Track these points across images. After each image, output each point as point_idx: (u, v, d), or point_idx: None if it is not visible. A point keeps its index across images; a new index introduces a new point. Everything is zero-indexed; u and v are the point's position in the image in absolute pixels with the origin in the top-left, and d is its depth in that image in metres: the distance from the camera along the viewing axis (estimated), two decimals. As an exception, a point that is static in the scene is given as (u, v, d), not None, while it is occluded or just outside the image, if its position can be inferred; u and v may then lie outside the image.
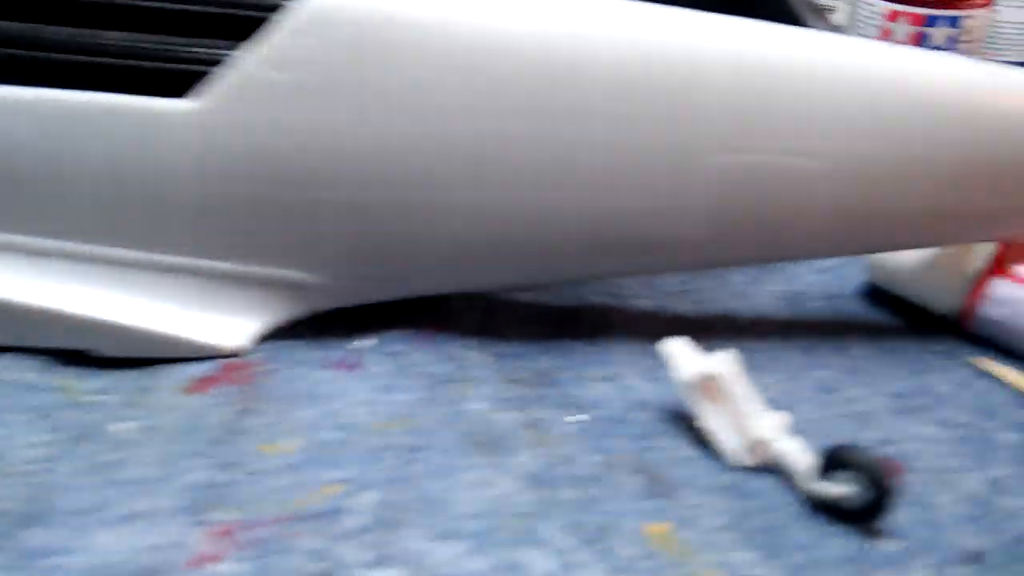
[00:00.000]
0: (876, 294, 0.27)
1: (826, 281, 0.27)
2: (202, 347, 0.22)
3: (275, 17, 0.20)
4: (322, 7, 0.20)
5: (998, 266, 0.24)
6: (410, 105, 0.20)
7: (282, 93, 0.20)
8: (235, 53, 0.20)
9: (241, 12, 0.21)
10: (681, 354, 0.21)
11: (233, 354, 0.22)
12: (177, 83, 0.21)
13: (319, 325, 0.23)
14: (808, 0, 0.31)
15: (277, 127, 0.20)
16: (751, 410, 0.20)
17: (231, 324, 0.22)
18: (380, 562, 0.17)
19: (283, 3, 0.21)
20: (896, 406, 0.22)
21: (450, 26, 0.20)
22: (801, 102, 0.21)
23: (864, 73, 0.21)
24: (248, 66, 0.20)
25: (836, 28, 0.29)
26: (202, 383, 0.21)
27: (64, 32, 0.22)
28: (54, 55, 0.21)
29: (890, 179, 0.22)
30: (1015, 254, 0.24)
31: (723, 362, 0.20)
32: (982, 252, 0.25)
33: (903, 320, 0.26)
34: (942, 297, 0.25)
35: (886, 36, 0.40)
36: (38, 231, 0.21)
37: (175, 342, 0.22)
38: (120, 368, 0.22)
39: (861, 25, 0.41)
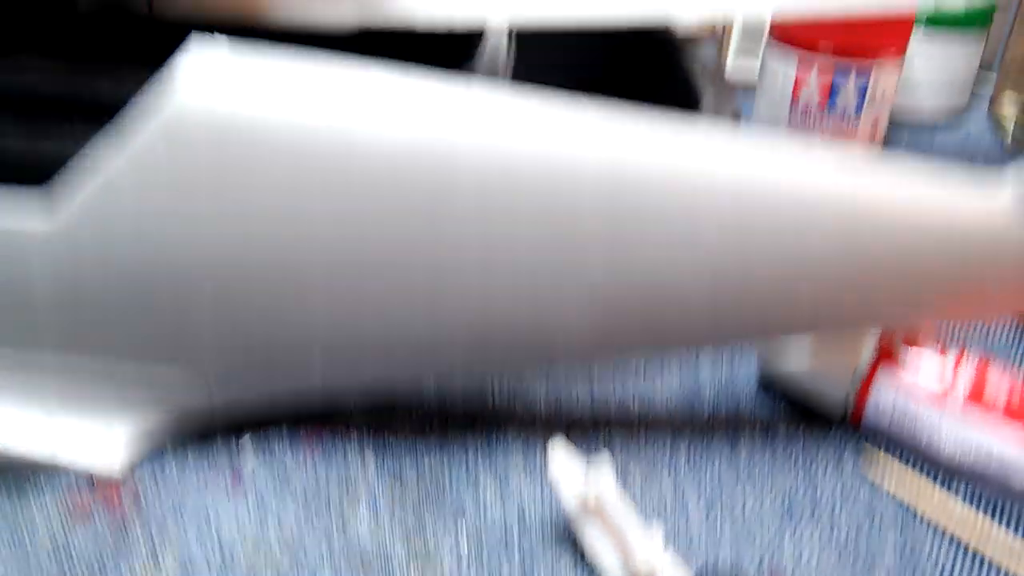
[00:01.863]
0: (770, 385, 0.27)
1: (721, 374, 0.27)
2: (75, 465, 0.21)
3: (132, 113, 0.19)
4: (176, 109, 0.19)
5: (881, 366, 0.25)
6: (276, 208, 0.20)
7: (133, 200, 0.19)
8: (93, 151, 0.20)
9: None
10: (563, 471, 0.21)
11: (107, 472, 0.22)
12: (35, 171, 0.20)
13: (203, 434, 0.23)
14: (710, 71, 0.31)
15: (133, 237, 0.20)
16: (630, 526, 0.20)
17: (105, 437, 0.22)
18: None
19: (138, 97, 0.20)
20: (782, 513, 0.23)
21: (314, 132, 0.20)
22: (674, 200, 0.21)
23: (738, 177, 0.21)
24: (99, 173, 0.19)
25: (731, 96, 0.29)
26: (72, 510, 0.21)
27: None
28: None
29: (768, 274, 0.22)
30: (900, 342, 0.25)
31: (602, 476, 0.20)
32: (866, 350, 0.25)
33: (794, 415, 0.26)
34: (832, 395, 0.25)
35: (797, 93, 0.40)
36: None
37: (46, 460, 0.21)
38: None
39: (772, 83, 0.41)
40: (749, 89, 0.48)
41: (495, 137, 0.20)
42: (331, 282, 0.20)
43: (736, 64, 0.49)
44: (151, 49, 0.33)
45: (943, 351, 0.25)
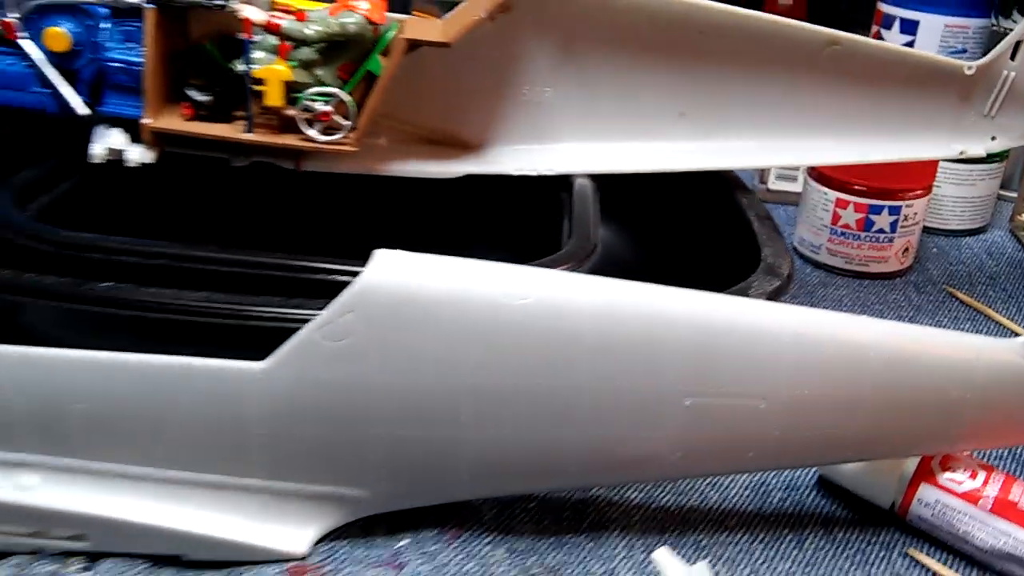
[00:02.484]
0: (827, 485, 0.32)
1: (786, 475, 0.32)
2: (274, 552, 0.27)
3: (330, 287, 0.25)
4: (364, 286, 0.25)
5: (924, 472, 0.30)
6: (438, 366, 0.25)
7: (332, 356, 0.25)
8: (298, 315, 0.25)
9: (306, 276, 0.26)
10: (667, 564, 0.25)
11: (297, 558, 0.27)
12: (248, 337, 0.26)
13: (365, 527, 0.28)
14: (766, 220, 0.37)
15: (329, 382, 0.25)
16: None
17: (294, 533, 0.27)
18: None
19: (339, 277, 0.26)
20: (843, 599, 0.27)
21: (464, 301, 0.25)
22: (746, 357, 0.26)
23: (796, 333, 0.27)
24: (306, 333, 0.25)
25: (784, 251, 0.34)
26: (275, 586, 0.26)
27: (153, 292, 0.27)
28: (149, 314, 0.26)
29: (822, 414, 0.27)
30: (937, 461, 0.30)
31: (701, 572, 0.25)
32: (910, 461, 0.30)
33: (850, 511, 0.31)
34: (882, 495, 0.30)
35: (836, 220, 0.46)
36: (143, 462, 0.26)
37: (251, 549, 0.26)
38: (207, 570, 0.26)
39: (813, 207, 0.47)
40: (789, 204, 0.54)
41: (609, 304, 0.26)
42: (478, 417, 0.26)
43: (776, 184, 0.55)
44: (300, 199, 0.39)
45: (974, 473, 0.30)
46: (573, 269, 0.30)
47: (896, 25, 0.58)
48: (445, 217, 0.41)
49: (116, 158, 0.32)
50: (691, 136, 0.39)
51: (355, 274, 0.25)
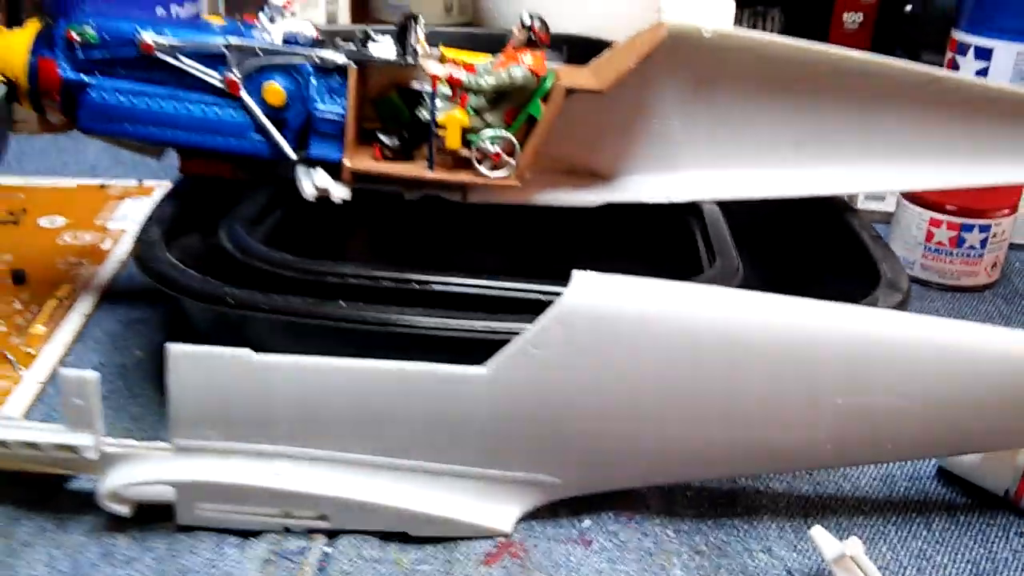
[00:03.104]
0: (947, 475, 0.36)
1: (909, 466, 0.37)
2: (484, 529, 0.31)
3: (541, 307, 0.30)
4: (567, 304, 0.30)
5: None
6: (628, 373, 0.30)
7: (539, 364, 0.30)
8: (509, 330, 0.30)
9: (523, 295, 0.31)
10: (824, 539, 0.30)
11: (503, 534, 0.32)
12: (470, 349, 0.31)
13: (551, 508, 0.33)
14: (884, 247, 0.41)
15: (538, 387, 0.30)
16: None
17: (502, 512, 0.32)
18: None
19: (546, 297, 0.31)
20: (973, 571, 0.31)
21: (650, 316, 0.30)
22: (890, 362, 0.31)
23: (930, 339, 0.31)
24: (519, 344, 0.30)
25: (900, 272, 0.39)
26: (490, 557, 0.31)
27: (384, 310, 0.32)
28: (384, 329, 0.31)
29: (951, 411, 0.31)
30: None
31: (854, 545, 0.30)
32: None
33: (969, 498, 0.35)
34: (998, 484, 0.34)
35: (930, 237, 0.50)
36: (376, 452, 0.31)
37: (467, 525, 0.31)
38: (428, 544, 0.31)
39: (905, 224, 0.51)
40: (877, 222, 0.58)
41: (774, 320, 0.30)
42: (659, 417, 0.31)
43: (865, 204, 0.59)
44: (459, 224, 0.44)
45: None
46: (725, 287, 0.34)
47: (971, 53, 0.62)
48: (584, 241, 0.46)
49: (324, 196, 0.37)
50: (805, 164, 0.43)
51: (557, 294, 0.30)
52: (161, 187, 0.56)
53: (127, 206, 0.54)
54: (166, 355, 0.29)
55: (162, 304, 0.44)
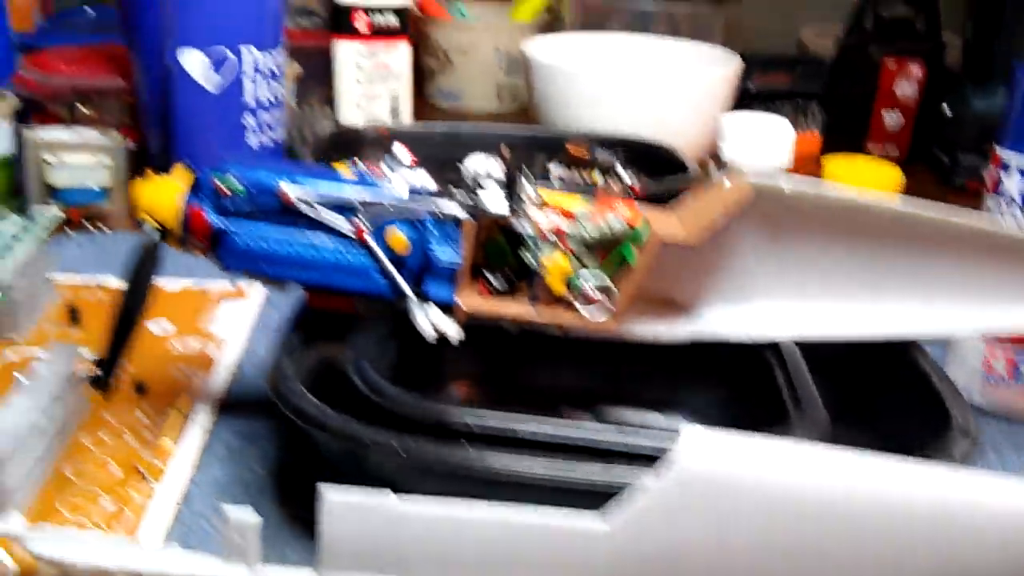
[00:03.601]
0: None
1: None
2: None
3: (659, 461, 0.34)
4: (679, 463, 0.33)
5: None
6: (742, 531, 0.33)
7: (657, 521, 0.33)
8: (621, 483, 0.34)
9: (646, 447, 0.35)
10: None
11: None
12: (585, 496, 0.34)
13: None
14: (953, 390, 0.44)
15: (655, 544, 0.33)
16: None
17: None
18: None
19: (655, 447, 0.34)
20: None
21: (761, 479, 0.33)
22: (970, 528, 0.34)
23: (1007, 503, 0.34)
24: (634, 499, 0.33)
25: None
26: None
27: (512, 458, 0.35)
28: (513, 475, 0.35)
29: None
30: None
31: None
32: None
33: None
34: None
35: (988, 367, 0.53)
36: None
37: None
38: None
39: (963, 353, 0.54)
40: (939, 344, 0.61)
41: (870, 485, 0.34)
42: (763, 568, 0.34)
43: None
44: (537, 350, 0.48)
45: None
46: (812, 440, 0.38)
47: (1015, 172, 0.65)
48: (656, 371, 0.49)
49: (441, 335, 0.41)
50: (878, 304, 0.46)
51: (665, 445, 0.33)
52: (255, 290, 0.60)
53: (226, 309, 0.58)
54: (320, 497, 0.33)
55: (275, 419, 0.47)
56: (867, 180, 0.71)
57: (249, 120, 0.70)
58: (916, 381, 0.45)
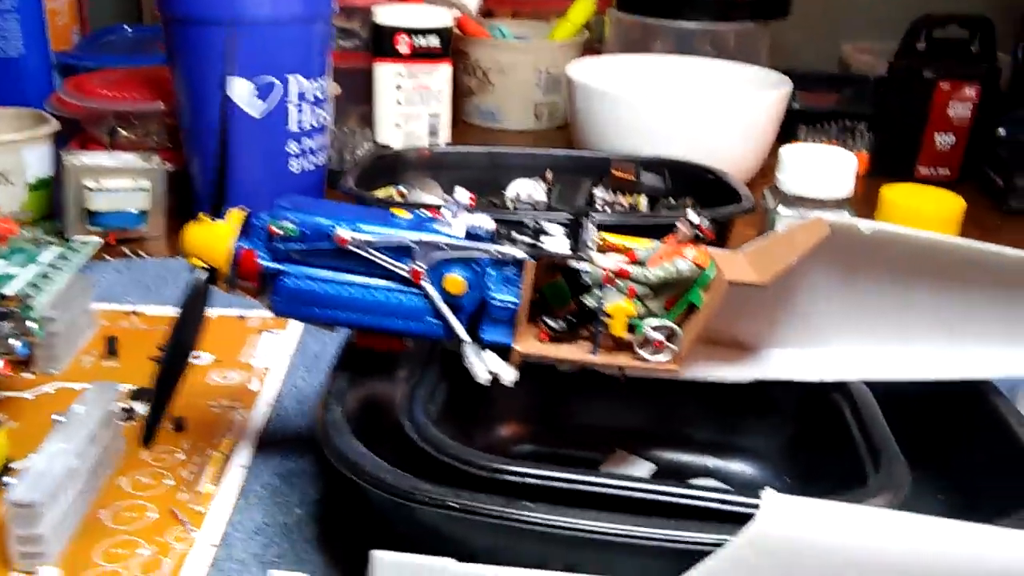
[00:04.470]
0: None
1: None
2: None
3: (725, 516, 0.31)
4: (759, 528, 0.31)
5: None
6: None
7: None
8: (700, 541, 0.31)
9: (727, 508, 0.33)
10: None
11: None
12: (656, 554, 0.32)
13: None
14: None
15: None
16: None
17: None
18: None
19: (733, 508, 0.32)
20: None
21: (844, 545, 0.31)
22: None
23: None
24: (712, 563, 0.31)
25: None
26: None
27: (574, 516, 0.33)
28: (576, 532, 0.33)
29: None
30: None
31: None
32: None
33: None
34: None
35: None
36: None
37: None
38: None
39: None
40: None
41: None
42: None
43: None
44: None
45: None
46: (895, 501, 0.35)
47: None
48: (715, 410, 0.47)
49: (495, 378, 0.39)
50: (953, 345, 0.44)
51: (748, 511, 0.31)
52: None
53: (266, 341, 0.57)
54: (372, 561, 0.31)
55: (316, 455, 0.46)
56: (926, 207, 0.68)
57: (292, 147, 0.69)
58: (994, 426, 0.42)
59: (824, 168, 0.60)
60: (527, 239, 0.39)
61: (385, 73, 0.91)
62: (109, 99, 0.76)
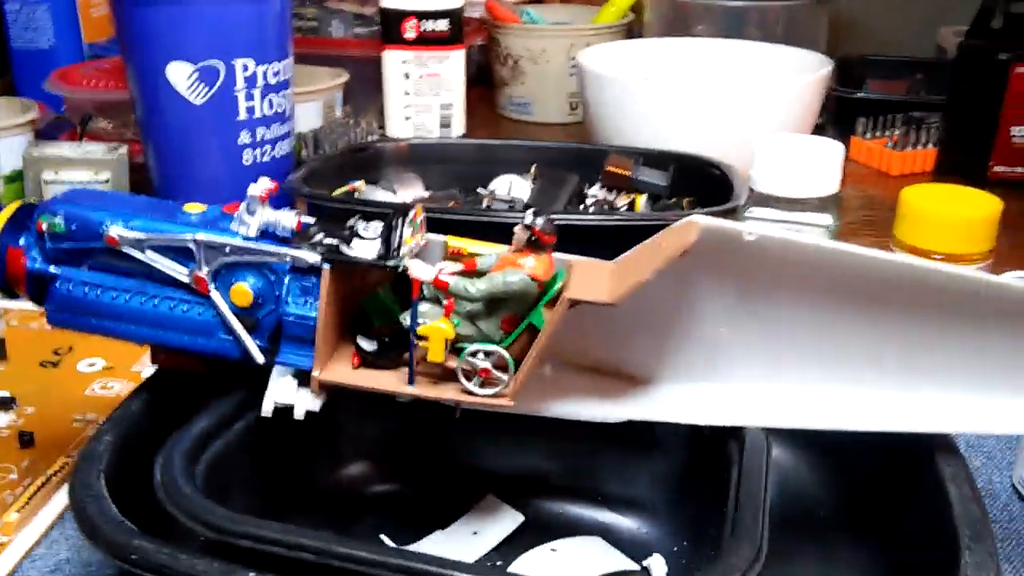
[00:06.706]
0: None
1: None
2: None
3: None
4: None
5: None
6: None
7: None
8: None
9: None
10: None
11: None
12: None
13: None
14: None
15: None
16: None
17: None
18: None
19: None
20: None
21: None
22: None
23: None
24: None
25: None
26: None
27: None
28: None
29: None
30: None
31: None
32: None
33: None
34: None
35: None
36: None
37: None
38: None
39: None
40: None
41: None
42: None
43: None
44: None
45: None
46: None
47: None
48: (604, 452, 0.40)
49: (286, 408, 0.33)
50: (884, 386, 0.35)
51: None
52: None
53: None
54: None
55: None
56: (950, 211, 0.57)
57: (244, 136, 0.65)
58: (931, 491, 0.33)
59: (803, 162, 0.51)
60: (333, 241, 0.33)
61: (392, 60, 0.86)
62: (86, 88, 0.74)
